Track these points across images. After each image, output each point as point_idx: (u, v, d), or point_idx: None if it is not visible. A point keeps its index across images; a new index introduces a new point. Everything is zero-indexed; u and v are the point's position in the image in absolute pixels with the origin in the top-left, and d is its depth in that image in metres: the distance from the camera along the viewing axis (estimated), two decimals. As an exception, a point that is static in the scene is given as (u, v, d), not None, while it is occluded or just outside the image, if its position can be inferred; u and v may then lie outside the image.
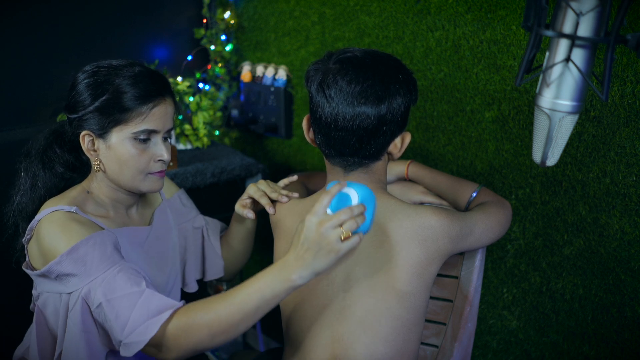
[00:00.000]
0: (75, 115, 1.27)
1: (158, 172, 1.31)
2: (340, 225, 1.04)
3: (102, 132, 1.26)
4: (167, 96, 1.30)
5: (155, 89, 1.27)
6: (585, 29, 0.96)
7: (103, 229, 1.26)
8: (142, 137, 1.26)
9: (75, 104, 1.28)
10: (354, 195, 1.08)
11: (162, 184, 1.34)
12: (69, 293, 1.21)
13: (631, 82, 1.35)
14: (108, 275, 1.18)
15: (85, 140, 1.28)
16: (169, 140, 1.34)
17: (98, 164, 1.29)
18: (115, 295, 1.16)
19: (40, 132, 1.38)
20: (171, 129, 1.32)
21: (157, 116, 1.27)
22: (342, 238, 1.04)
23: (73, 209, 1.24)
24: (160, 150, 1.29)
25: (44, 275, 1.22)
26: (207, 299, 1.15)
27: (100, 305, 1.17)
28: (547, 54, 1.02)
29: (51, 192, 1.34)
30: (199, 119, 2.14)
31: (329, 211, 1.07)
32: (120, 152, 1.27)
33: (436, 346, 1.45)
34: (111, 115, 1.25)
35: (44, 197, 1.33)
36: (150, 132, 1.27)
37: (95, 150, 1.29)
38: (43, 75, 1.90)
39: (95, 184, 1.33)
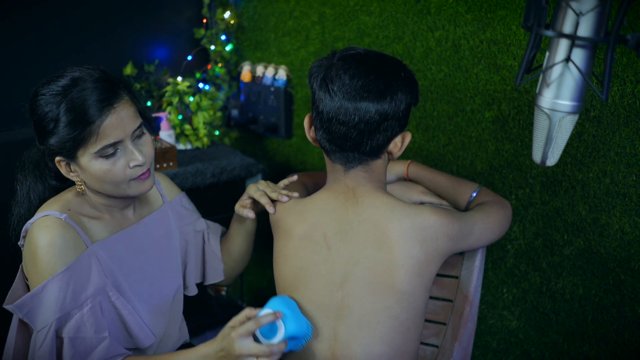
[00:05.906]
0: (42, 147, 1.25)
1: (140, 176, 1.27)
2: (256, 356, 1.15)
3: (70, 157, 1.24)
4: (116, 102, 1.22)
5: (97, 106, 1.20)
6: (585, 29, 0.96)
7: (87, 245, 1.26)
8: (106, 153, 1.22)
9: (36, 133, 1.25)
10: (280, 331, 1.18)
11: (150, 184, 1.30)
12: (38, 330, 1.21)
13: (631, 82, 1.35)
14: (77, 314, 1.21)
15: (62, 165, 1.26)
16: (144, 136, 1.28)
17: (80, 184, 1.28)
18: (78, 335, 1.21)
19: (34, 145, 1.34)
20: (138, 127, 1.25)
21: (112, 127, 1.21)
22: None
23: (63, 216, 1.24)
24: (130, 156, 1.24)
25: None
26: (145, 358, 1.26)
27: (62, 339, 1.21)
28: (547, 54, 1.02)
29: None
30: (199, 119, 2.14)
31: (258, 333, 1.18)
32: (93, 171, 1.23)
33: (436, 346, 1.45)
34: (66, 143, 1.21)
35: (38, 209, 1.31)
36: (112, 145, 1.22)
37: (73, 172, 1.27)
38: (43, 75, 1.86)
39: (87, 191, 1.31)
